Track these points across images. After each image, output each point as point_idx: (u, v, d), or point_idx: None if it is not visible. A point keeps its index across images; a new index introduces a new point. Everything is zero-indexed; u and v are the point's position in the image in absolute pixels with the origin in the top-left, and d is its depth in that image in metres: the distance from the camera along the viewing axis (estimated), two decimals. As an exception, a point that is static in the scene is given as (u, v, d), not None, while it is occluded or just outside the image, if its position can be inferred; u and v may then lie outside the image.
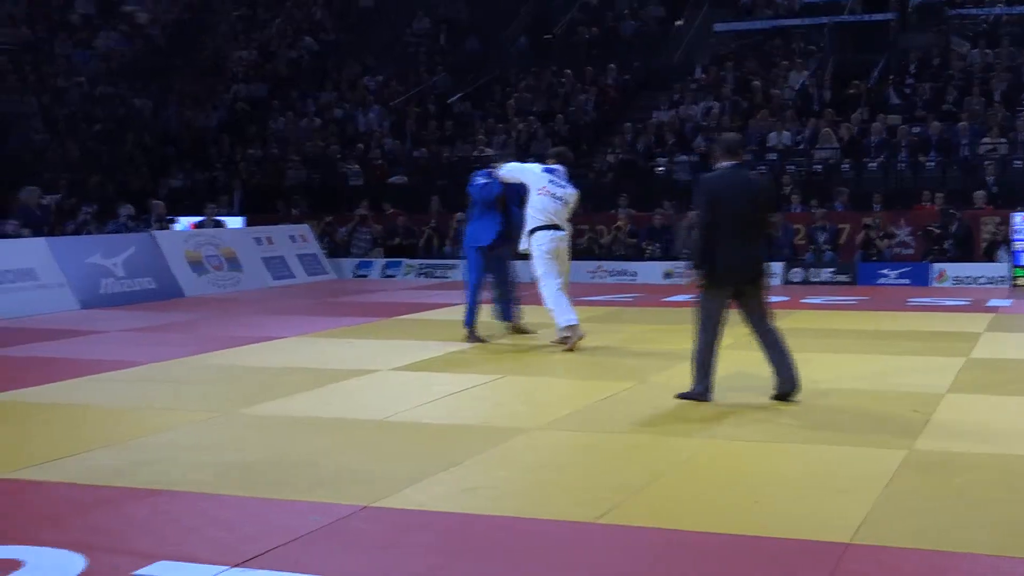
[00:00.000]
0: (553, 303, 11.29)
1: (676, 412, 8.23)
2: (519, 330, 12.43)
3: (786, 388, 8.43)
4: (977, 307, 15.17)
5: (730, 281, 8.21)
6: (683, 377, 9.68)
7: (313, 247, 21.71)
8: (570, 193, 11.52)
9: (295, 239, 21.38)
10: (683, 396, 8.40)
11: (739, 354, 9.84)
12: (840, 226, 20.26)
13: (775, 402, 8.43)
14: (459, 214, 22.14)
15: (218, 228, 20.94)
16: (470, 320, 12.08)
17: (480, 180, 12.03)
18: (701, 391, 8.34)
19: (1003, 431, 7.51)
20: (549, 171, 11.55)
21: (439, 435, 7.63)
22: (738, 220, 8.12)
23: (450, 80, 30.02)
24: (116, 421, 8.23)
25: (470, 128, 26.60)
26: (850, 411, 8.19)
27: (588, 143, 25.75)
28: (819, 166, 22.44)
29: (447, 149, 25.82)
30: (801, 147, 23.05)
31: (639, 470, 6.66)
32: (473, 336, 11.99)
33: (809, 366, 10.09)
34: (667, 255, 20.18)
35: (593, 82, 27.48)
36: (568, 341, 11.24)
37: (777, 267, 18.99)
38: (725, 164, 8.29)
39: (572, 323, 11.23)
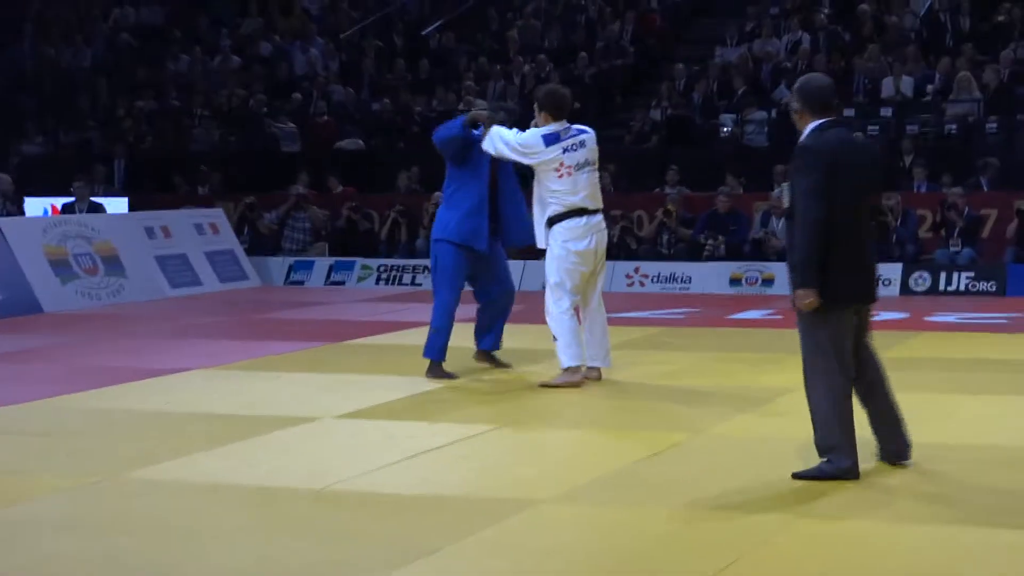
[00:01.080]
0: (560, 330, 11.38)
1: (746, 477, 8.27)
2: (490, 360, 12.50)
3: (896, 447, 8.46)
4: None
5: (857, 297, 8.23)
6: (758, 428, 9.74)
7: (228, 241, 21.78)
8: (591, 148, 11.57)
9: (202, 229, 21.47)
10: (808, 476, 8.11)
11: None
12: (982, 212, 20.31)
13: (882, 465, 8.47)
14: (437, 194, 22.21)
15: (92, 214, 21.04)
16: (436, 348, 12.11)
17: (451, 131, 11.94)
18: (848, 466, 8.08)
19: None
20: (553, 137, 11.56)
21: (406, 511, 7.66)
22: (862, 208, 8.18)
23: (426, 2, 30.12)
24: (-53, 489, 8.30)
25: (453, 70, 26.68)
26: (992, 478, 8.24)
27: (622, 93, 25.86)
28: (953, 126, 22.50)
29: (420, 100, 25.89)
30: (927, 99, 23.12)
31: (694, 562, 6.73)
32: (438, 371, 12.07)
33: (934, 413, 10.16)
34: (736, 253, 20.25)
35: (631, 5, 27.57)
36: (559, 381, 11.37)
37: (893, 271, 19.07)
38: (818, 123, 8.20)
39: (574, 364, 11.32)
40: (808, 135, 8.20)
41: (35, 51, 30.34)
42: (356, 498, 7.93)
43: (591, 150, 11.57)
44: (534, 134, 11.62)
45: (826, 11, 26.03)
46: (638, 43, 26.59)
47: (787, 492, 7.95)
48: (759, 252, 20.23)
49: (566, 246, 11.34)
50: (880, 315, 16.43)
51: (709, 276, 19.98)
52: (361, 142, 25.48)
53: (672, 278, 20.24)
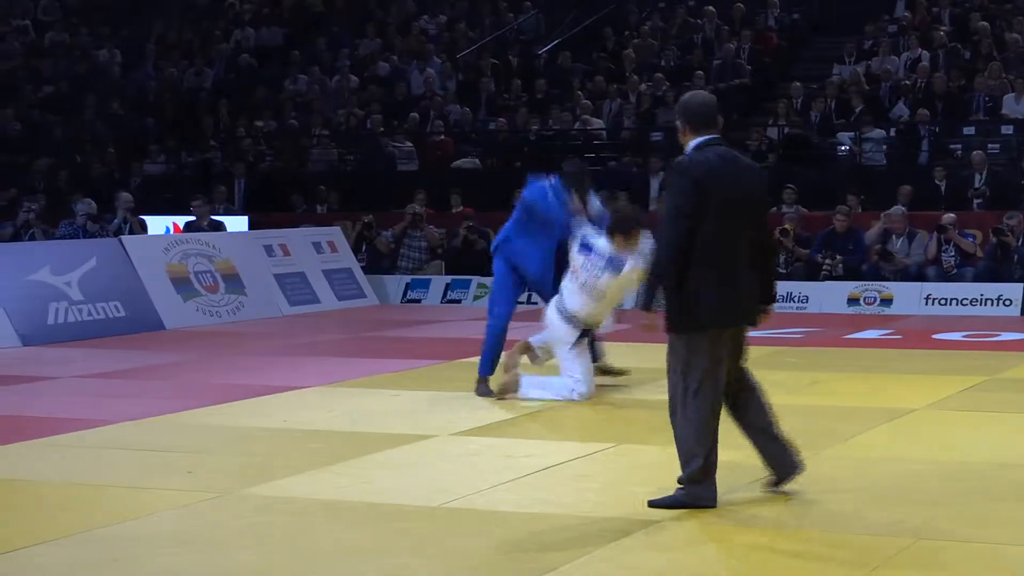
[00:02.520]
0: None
1: (861, 498, 8.18)
2: (607, 371, 12.57)
3: (783, 473, 8.27)
4: None
5: (722, 320, 7.94)
6: (878, 448, 9.61)
7: (346, 259, 21.90)
8: (612, 277, 11.56)
9: (320, 248, 21.60)
10: (664, 504, 7.95)
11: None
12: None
13: (1010, 489, 8.34)
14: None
15: (213, 232, 21.25)
16: (490, 364, 12.20)
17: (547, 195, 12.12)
18: (706, 495, 7.95)
19: None
20: (585, 248, 11.65)
21: (522, 529, 7.64)
22: (735, 230, 7.85)
23: (542, 21, 30.16)
24: (69, 504, 8.39)
25: (568, 90, 26.68)
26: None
27: (740, 112, 25.69)
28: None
29: (536, 120, 25.91)
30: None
31: (810, 583, 6.64)
32: (485, 388, 12.11)
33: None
34: (854, 272, 20.03)
35: (747, 24, 27.42)
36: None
37: (1014, 291, 18.77)
38: (697, 141, 8.03)
39: None
40: (687, 154, 8.07)
41: (157, 72, 30.76)
42: (472, 516, 7.91)
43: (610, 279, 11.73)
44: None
45: (945, 28, 25.75)
46: (755, 62, 26.44)
47: (907, 513, 7.83)
48: (877, 272, 19.99)
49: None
50: (1001, 336, 16.31)
51: (827, 296, 19.77)
52: (478, 161, 25.54)
53: (789, 297, 20.03)
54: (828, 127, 23.96)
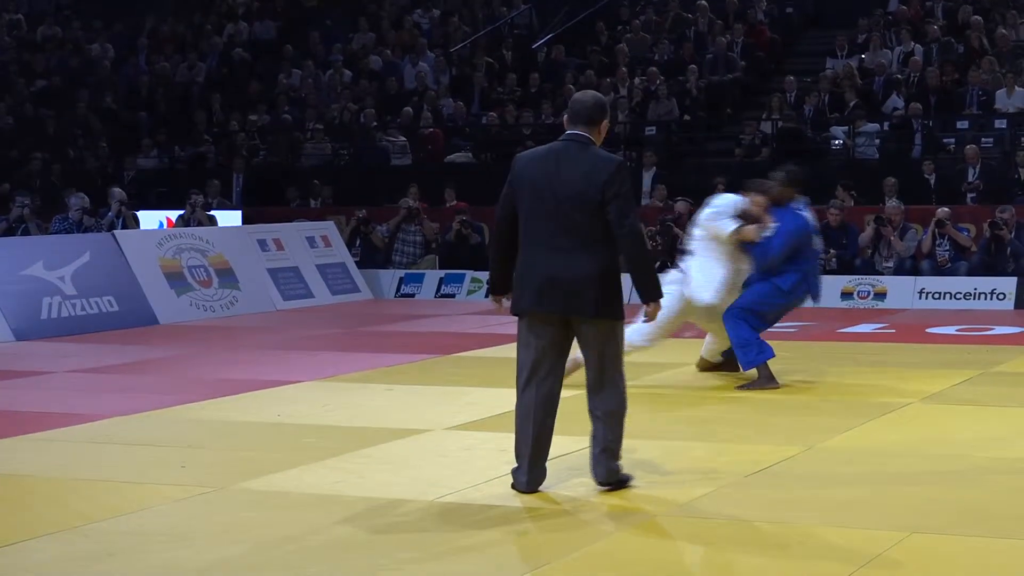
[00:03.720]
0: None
1: (855, 492, 8.19)
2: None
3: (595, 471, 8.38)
4: None
5: (525, 305, 8.15)
6: (872, 441, 9.63)
7: (340, 254, 21.90)
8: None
9: (314, 242, 21.60)
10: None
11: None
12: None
13: (1004, 483, 8.36)
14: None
15: (206, 227, 21.23)
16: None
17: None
18: (522, 481, 8.26)
19: None
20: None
21: (516, 522, 7.67)
22: (544, 220, 8.05)
23: (535, 16, 30.15)
24: (63, 498, 8.40)
25: (562, 84, 26.67)
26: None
27: (733, 106, 25.71)
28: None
29: (529, 114, 25.92)
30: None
31: (811, 571, 6.66)
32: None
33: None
34: (847, 266, 20.03)
35: (740, 18, 27.43)
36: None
37: (1008, 285, 18.78)
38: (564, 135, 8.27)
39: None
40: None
41: (150, 66, 30.73)
42: (466, 510, 7.92)
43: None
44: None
45: (938, 22, 25.77)
46: (748, 56, 26.45)
47: (900, 506, 7.85)
48: (871, 266, 20.01)
49: None
50: (994, 329, 16.34)
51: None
52: (471, 155, 25.54)
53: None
54: (821, 121, 23.98)
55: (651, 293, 8.19)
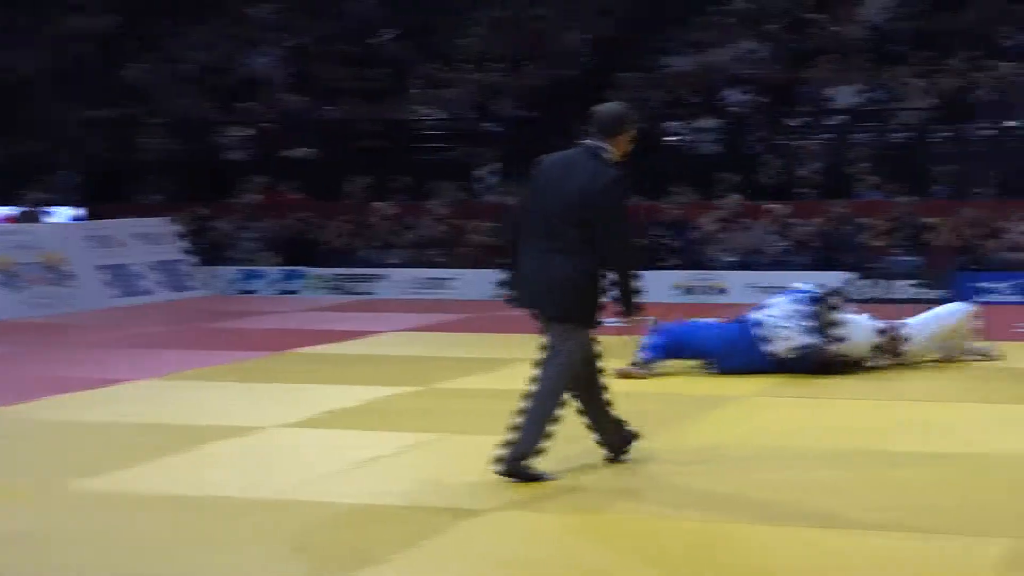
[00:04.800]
0: None
1: (690, 482, 8.31)
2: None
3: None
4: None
5: (519, 304, 8.56)
6: (705, 434, 9.78)
7: (177, 251, 21.72)
8: None
9: (151, 239, 21.41)
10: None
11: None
12: (930, 220, 20.45)
13: (829, 474, 8.54)
14: (387, 203, 22.23)
15: (39, 223, 20.94)
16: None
17: None
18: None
19: None
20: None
21: (349, 520, 7.67)
22: (543, 223, 8.31)
23: (378, 10, 30.08)
24: None
25: (404, 79, 26.69)
26: (933, 483, 8.32)
27: (575, 102, 25.85)
28: (903, 134, 22.67)
29: (372, 108, 25.87)
30: (878, 107, 23.27)
31: (645, 567, 6.77)
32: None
33: (875, 421, 10.25)
34: (686, 262, 20.31)
35: (582, 15, 27.61)
36: None
37: (841, 278, 19.15)
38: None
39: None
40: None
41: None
42: (301, 508, 7.91)
43: None
44: None
45: (779, 20, 26.16)
46: (591, 52, 26.64)
47: (728, 495, 7.99)
48: (707, 262, 20.31)
49: None
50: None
51: (656, 283, 19.94)
52: (312, 150, 25.45)
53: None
54: (661, 117, 24.22)
55: (628, 308, 8.34)
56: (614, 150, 8.40)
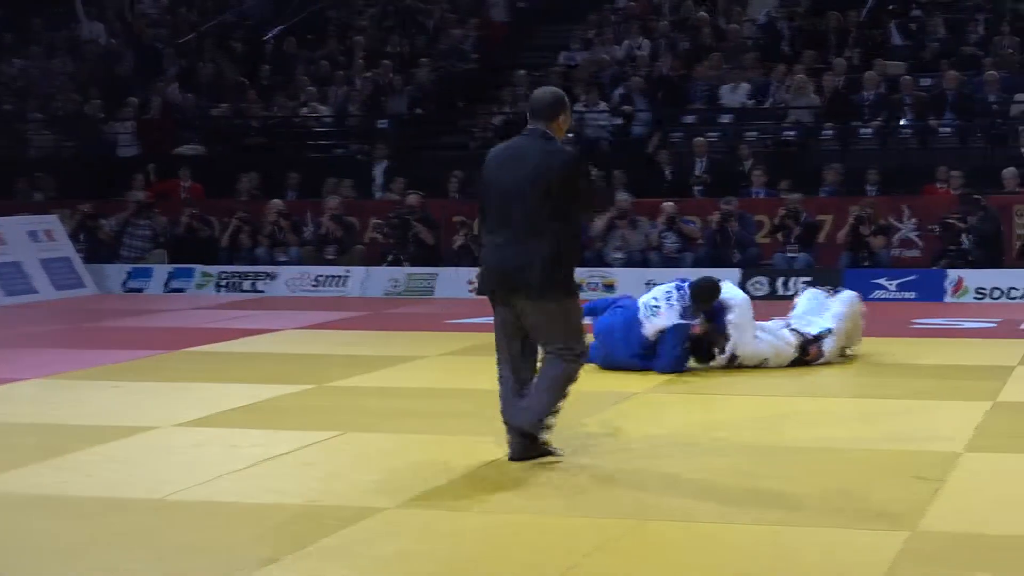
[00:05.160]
0: None
1: (587, 481, 8.34)
2: None
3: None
4: (1008, 331, 15.60)
5: (483, 289, 8.87)
6: (602, 431, 9.81)
7: (64, 248, 21.47)
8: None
9: (37, 237, 21.15)
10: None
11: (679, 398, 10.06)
12: (819, 218, 20.69)
13: (726, 469, 8.60)
14: (277, 201, 22.11)
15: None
16: None
17: None
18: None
19: (1040, 504, 7.78)
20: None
21: (247, 520, 7.61)
22: (503, 210, 8.62)
23: (267, 6, 29.93)
24: None
25: (294, 76, 26.56)
26: (830, 477, 8.40)
27: (466, 99, 25.89)
28: (791, 132, 22.89)
29: (260, 106, 25.72)
30: (766, 105, 23.48)
31: (539, 566, 6.76)
32: None
33: (773, 415, 10.33)
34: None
35: (473, 11, 27.63)
36: None
37: (731, 275, 19.28)
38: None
39: None
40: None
41: None
42: (196, 508, 7.85)
43: None
44: None
45: (668, 18, 26.33)
46: (481, 49, 26.66)
47: (624, 492, 8.02)
48: (600, 259, 20.39)
49: None
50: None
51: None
52: (200, 147, 25.26)
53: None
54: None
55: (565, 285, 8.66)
56: (554, 132, 8.73)
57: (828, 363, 12.85)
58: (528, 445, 8.73)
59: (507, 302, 8.68)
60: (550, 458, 8.81)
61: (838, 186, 21.22)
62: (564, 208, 8.54)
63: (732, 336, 12.41)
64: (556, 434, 8.96)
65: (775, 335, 12.70)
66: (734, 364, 12.44)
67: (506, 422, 8.78)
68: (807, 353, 12.69)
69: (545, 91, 9.00)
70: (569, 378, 8.73)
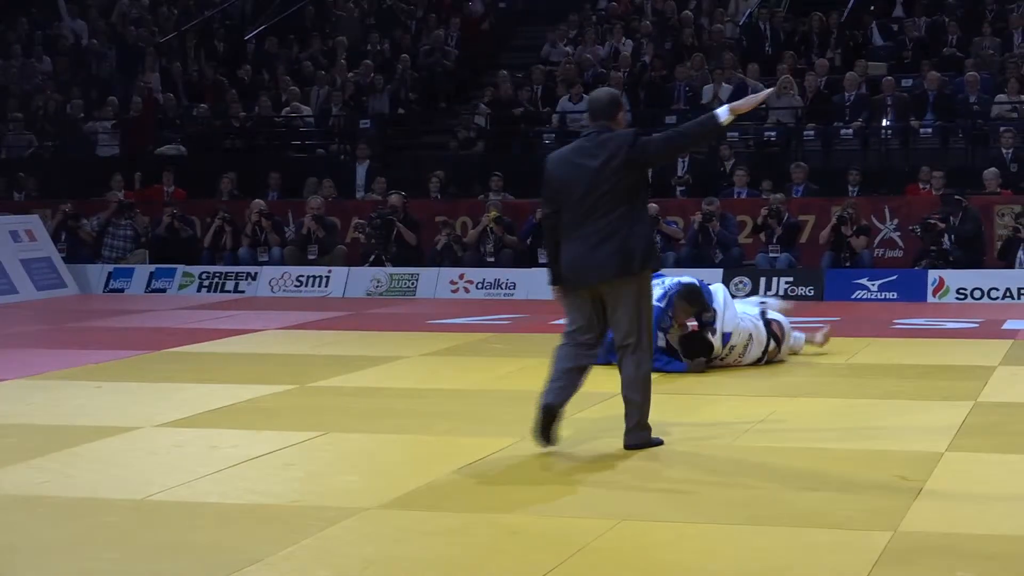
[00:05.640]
0: None
1: (567, 482, 8.33)
2: None
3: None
4: (989, 331, 15.63)
5: (581, 282, 9.06)
6: (583, 431, 9.81)
7: (45, 248, 21.41)
8: None
9: (18, 236, 21.10)
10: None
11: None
12: (801, 218, 20.71)
13: (708, 469, 8.60)
14: (258, 201, 22.08)
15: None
16: None
17: None
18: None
19: (1023, 505, 7.78)
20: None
21: (229, 521, 7.59)
22: (579, 208, 8.99)
23: (248, 5, 29.89)
24: None
25: (275, 76, 26.52)
26: (812, 479, 8.40)
27: (447, 99, 25.88)
28: (772, 133, 22.91)
29: (242, 107, 25.68)
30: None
31: (519, 567, 6.75)
32: None
33: (755, 416, 10.33)
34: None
35: (456, 10, 27.62)
36: None
37: (714, 276, 19.31)
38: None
39: None
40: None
41: None
42: (178, 509, 7.84)
43: None
44: None
45: (650, 19, 26.35)
46: (463, 49, 26.65)
47: (603, 494, 8.02)
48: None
49: None
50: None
51: (534, 282, 20.01)
52: (182, 147, 25.21)
53: (497, 284, 20.31)
54: (535, 114, 24.28)
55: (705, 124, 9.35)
56: (614, 129, 9.12)
57: (796, 353, 13.12)
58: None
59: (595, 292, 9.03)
60: (537, 455, 8.81)
61: (806, 184, 21.21)
62: (636, 188, 8.99)
63: (719, 312, 12.48)
64: (530, 439, 8.93)
65: (750, 316, 12.79)
66: (727, 345, 12.45)
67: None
68: (770, 327, 12.81)
69: (602, 92, 9.50)
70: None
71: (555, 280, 9.16)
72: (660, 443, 9.16)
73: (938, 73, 22.68)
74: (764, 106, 23.04)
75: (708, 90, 23.58)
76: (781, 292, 19.05)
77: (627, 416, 9.10)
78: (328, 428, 10.09)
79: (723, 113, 9.18)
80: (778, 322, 13.04)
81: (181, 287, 21.31)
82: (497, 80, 25.05)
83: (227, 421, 10.46)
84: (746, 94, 23.10)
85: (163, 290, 21.35)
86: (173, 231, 22.21)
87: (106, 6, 29.89)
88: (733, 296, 13.49)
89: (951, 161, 21.59)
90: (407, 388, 12.01)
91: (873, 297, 19.17)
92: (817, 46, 24.61)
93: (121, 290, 21.52)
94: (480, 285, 20.39)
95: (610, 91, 9.61)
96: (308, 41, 27.59)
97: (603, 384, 11.81)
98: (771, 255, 20.01)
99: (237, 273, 21.25)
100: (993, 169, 20.66)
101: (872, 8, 25.67)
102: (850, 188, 21.12)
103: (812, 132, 22.66)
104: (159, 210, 22.68)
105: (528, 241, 20.66)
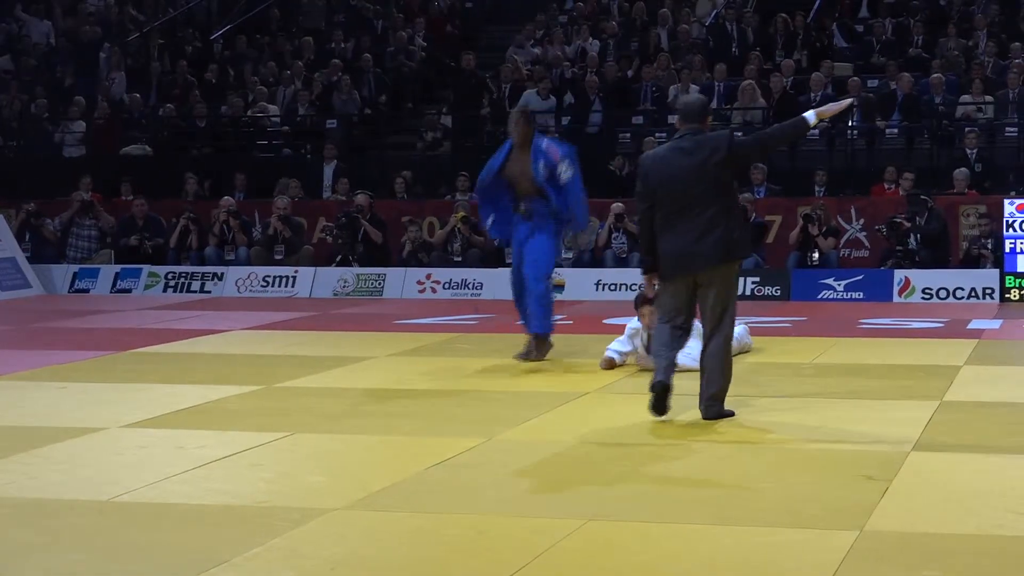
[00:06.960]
0: None
1: (534, 482, 8.34)
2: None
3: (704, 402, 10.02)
4: (954, 331, 15.69)
5: (681, 272, 9.84)
6: (550, 431, 9.82)
7: (9, 248, 21.33)
8: None
9: (-18, 236, 21.01)
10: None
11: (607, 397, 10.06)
12: (767, 219, 20.76)
13: (676, 469, 8.62)
14: (228, 198, 22.03)
15: None
16: None
17: None
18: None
19: (988, 504, 7.81)
20: None
21: (194, 521, 7.57)
22: (677, 205, 9.75)
23: (214, 6, 29.83)
24: None
25: (242, 76, 26.47)
26: (778, 478, 8.42)
27: (413, 99, 25.86)
28: (738, 133, 22.93)
29: (208, 107, 25.61)
30: (713, 107, 23.52)
31: (485, 567, 6.74)
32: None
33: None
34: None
35: (421, 10, 27.62)
36: None
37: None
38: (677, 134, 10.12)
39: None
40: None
41: None
42: (144, 509, 7.81)
43: None
44: None
45: (616, 19, 26.39)
46: (429, 49, 26.64)
47: (571, 495, 8.02)
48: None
49: None
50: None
51: (501, 283, 19.99)
52: (148, 147, 25.13)
53: (464, 284, 20.31)
54: (501, 115, 24.26)
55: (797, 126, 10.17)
56: (704, 131, 10.00)
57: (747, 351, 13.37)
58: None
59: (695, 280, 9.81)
60: (503, 455, 8.82)
61: (767, 185, 21.25)
62: (731, 183, 9.94)
63: None
64: (509, 434, 8.93)
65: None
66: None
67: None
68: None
69: (693, 98, 10.72)
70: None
71: (649, 269, 9.94)
72: (732, 415, 9.97)
73: (905, 74, 22.76)
74: (728, 107, 23.18)
75: (673, 91, 23.61)
76: (748, 292, 19.09)
77: (706, 387, 9.92)
78: (295, 428, 10.07)
79: (811, 116, 9.91)
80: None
81: (147, 287, 21.26)
82: (463, 81, 25.03)
83: (193, 422, 10.44)
84: (721, 95, 23.35)
85: (129, 290, 21.29)
86: (139, 231, 22.13)
87: (71, 5, 29.77)
88: None
89: (916, 161, 21.69)
90: (374, 388, 11.99)
91: (839, 297, 19.24)
92: (782, 47, 24.68)
93: (86, 290, 21.45)
94: (447, 285, 20.40)
95: (700, 97, 10.78)
96: (275, 41, 27.53)
97: (563, 385, 11.86)
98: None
99: (203, 273, 21.21)
100: (963, 169, 20.76)
101: (837, 14, 25.76)
102: (817, 188, 21.19)
103: (778, 132, 22.67)
104: (125, 209, 22.62)
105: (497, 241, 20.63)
